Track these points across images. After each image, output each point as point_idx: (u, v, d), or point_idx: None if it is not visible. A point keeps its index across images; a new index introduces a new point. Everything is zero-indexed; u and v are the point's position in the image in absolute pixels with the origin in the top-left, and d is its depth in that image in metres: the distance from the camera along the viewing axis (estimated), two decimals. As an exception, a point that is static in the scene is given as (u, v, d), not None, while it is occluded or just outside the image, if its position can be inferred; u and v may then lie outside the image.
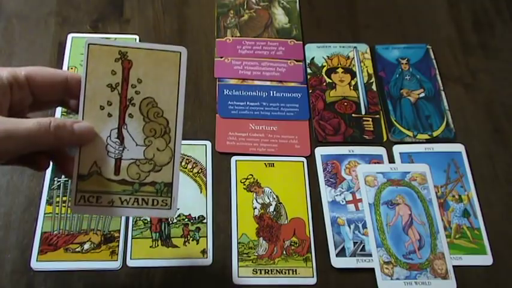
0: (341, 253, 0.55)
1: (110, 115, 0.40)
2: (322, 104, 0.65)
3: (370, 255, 0.55)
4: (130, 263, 0.53)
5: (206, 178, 0.58)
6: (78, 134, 0.38)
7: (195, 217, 0.56)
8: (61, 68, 0.64)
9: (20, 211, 0.55)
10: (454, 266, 0.55)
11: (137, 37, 0.67)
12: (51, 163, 0.41)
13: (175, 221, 0.56)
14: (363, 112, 0.65)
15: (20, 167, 0.57)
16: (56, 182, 0.57)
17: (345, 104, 0.65)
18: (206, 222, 0.56)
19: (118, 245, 0.54)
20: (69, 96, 0.41)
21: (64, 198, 0.56)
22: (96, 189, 0.40)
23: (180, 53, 0.41)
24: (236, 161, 0.60)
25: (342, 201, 0.58)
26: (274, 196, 0.58)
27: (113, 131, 0.40)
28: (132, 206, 0.40)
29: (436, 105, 0.65)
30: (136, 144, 0.40)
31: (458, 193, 0.59)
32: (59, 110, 0.61)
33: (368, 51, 0.70)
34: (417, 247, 0.55)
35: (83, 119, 0.39)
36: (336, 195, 0.58)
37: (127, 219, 0.55)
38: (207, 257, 0.54)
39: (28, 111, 0.41)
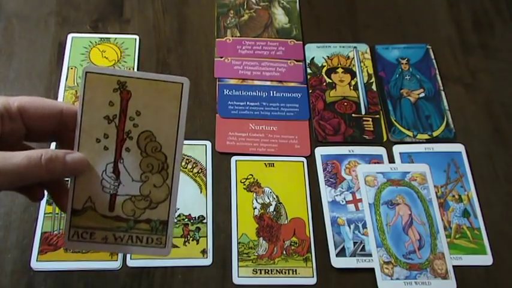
0: (341, 253, 0.55)
1: (106, 148, 0.38)
2: (322, 104, 0.65)
3: (370, 255, 0.55)
4: (130, 263, 0.53)
5: (206, 178, 0.58)
6: (71, 165, 0.37)
7: (195, 217, 0.56)
8: (61, 68, 0.64)
9: (20, 211, 0.55)
10: (454, 266, 0.55)
11: (137, 37, 0.67)
12: (45, 193, 0.41)
13: (175, 221, 0.55)
14: (363, 112, 0.65)
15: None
16: (56, 182, 0.56)
17: (345, 104, 0.65)
18: (206, 222, 0.56)
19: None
20: (64, 129, 0.39)
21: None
22: (90, 225, 0.38)
23: (182, 84, 0.39)
24: (236, 161, 0.60)
25: (342, 201, 0.58)
26: (274, 196, 0.58)
27: (108, 165, 0.38)
28: (126, 243, 0.39)
29: (436, 105, 0.65)
30: (133, 180, 0.39)
31: (458, 193, 0.59)
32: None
33: (368, 51, 0.70)
34: (417, 247, 0.55)
35: (78, 150, 0.38)
36: (336, 195, 0.58)
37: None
38: (207, 257, 0.54)
39: (23, 141, 0.40)
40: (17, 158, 0.34)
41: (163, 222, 0.39)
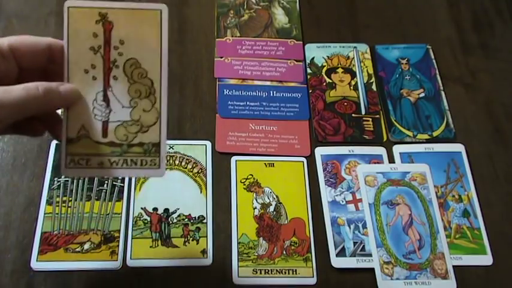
0: (341, 253, 0.55)
1: (94, 78, 0.40)
2: (322, 104, 0.65)
3: (370, 255, 0.55)
4: (130, 263, 0.53)
5: (206, 178, 0.58)
6: (64, 95, 0.38)
7: (195, 217, 0.56)
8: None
9: (20, 211, 0.55)
10: (454, 266, 0.55)
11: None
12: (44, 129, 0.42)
13: (175, 221, 0.56)
14: (363, 112, 0.65)
15: (20, 167, 0.57)
16: (56, 182, 0.57)
17: (345, 104, 0.65)
18: (206, 222, 0.56)
19: (118, 245, 0.54)
20: (53, 63, 0.41)
21: (64, 198, 0.56)
22: (85, 152, 0.40)
23: (161, 10, 0.40)
24: (236, 161, 0.60)
25: (342, 201, 0.58)
26: (274, 196, 0.58)
27: (98, 94, 0.40)
28: (121, 167, 0.40)
29: (436, 105, 0.65)
30: (123, 106, 0.40)
31: (458, 193, 0.59)
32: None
33: (368, 51, 0.70)
34: (417, 247, 0.55)
35: (68, 83, 0.40)
36: (336, 195, 0.58)
37: (127, 219, 0.55)
38: (207, 257, 0.54)
39: (14, 84, 0.41)
40: (15, 90, 0.35)
41: (156, 144, 0.40)
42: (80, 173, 0.40)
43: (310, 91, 0.66)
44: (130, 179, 0.57)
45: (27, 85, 0.36)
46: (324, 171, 0.60)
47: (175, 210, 0.56)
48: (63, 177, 0.57)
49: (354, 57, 0.69)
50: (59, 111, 0.42)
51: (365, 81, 0.67)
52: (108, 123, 0.40)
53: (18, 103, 0.35)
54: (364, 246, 0.55)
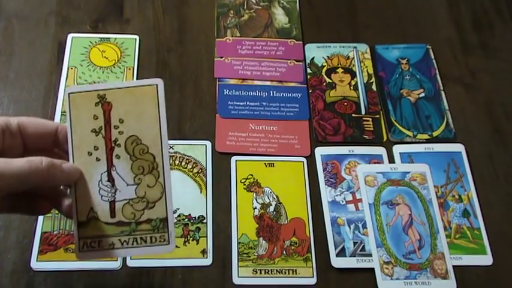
0: (341, 253, 0.55)
1: (98, 159, 0.40)
2: (322, 104, 0.65)
3: (370, 255, 0.55)
4: (131, 263, 0.53)
5: (206, 178, 0.58)
6: (67, 172, 0.39)
7: (195, 217, 0.56)
8: (61, 68, 0.64)
9: (20, 211, 0.55)
10: (454, 266, 0.55)
11: (137, 37, 0.67)
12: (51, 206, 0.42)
13: (175, 221, 0.55)
14: (363, 112, 0.65)
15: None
16: (56, 182, 0.57)
17: (345, 104, 0.65)
18: (206, 222, 0.56)
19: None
20: (58, 147, 0.42)
21: (64, 199, 0.56)
22: (96, 234, 0.40)
23: (157, 85, 0.41)
24: (236, 161, 0.60)
25: (342, 201, 0.58)
26: (274, 196, 0.58)
27: (103, 175, 0.40)
28: (131, 246, 0.40)
29: (436, 105, 0.65)
30: (127, 184, 0.40)
31: (458, 193, 0.59)
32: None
33: (368, 51, 0.70)
34: (417, 247, 0.55)
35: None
36: (336, 195, 0.58)
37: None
38: (207, 257, 0.54)
39: None
40: (18, 162, 0.36)
41: (163, 219, 0.41)
42: (94, 255, 0.40)
43: (310, 91, 0.66)
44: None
45: (31, 158, 0.37)
46: (324, 171, 0.60)
47: (175, 210, 0.56)
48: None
49: (354, 57, 0.69)
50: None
51: (365, 81, 0.67)
52: (115, 203, 0.40)
53: (19, 175, 0.36)
54: (364, 246, 0.55)
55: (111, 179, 0.40)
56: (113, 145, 0.40)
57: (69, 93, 0.41)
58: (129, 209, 0.40)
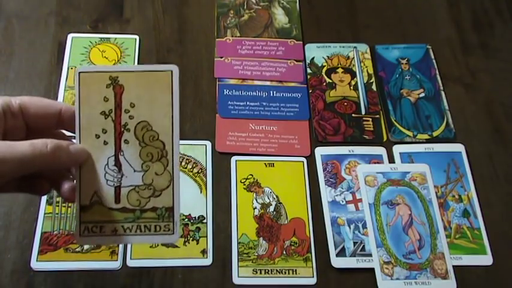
0: (341, 253, 0.55)
1: (105, 143, 0.39)
2: (322, 104, 0.65)
3: (370, 255, 0.55)
4: (131, 263, 0.53)
5: (206, 178, 0.58)
6: (74, 154, 0.38)
7: (195, 217, 0.56)
8: (61, 68, 0.64)
9: (20, 211, 0.55)
10: (454, 266, 0.55)
11: (137, 37, 0.67)
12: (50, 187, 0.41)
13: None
14: (363, 112, 0.65)
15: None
16: (56, 182, 0.57)
17: (345, 104, 0.65)
18: (206, 222, 0.56)
19: (118, 245, 0.54)
20: (62, 127, 0.41)
21: (64, 199, 0.56)
22: (99, 219, 0.39)
23: (172, 71, 0.39)
24: (236, 161, 0.60)
25: (342, 201, 0.58)
26: (274, 196, 0.58)
27: (110, 159, 0.39)
28: (135, 233, 0.39)
29: (436, 105, 0.65)
30: (134, 170, 0.39)
31: (458, 193, 0.59)
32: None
33: (368, 51, 0.70)
34: (417, 247, 0.55)
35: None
36: (336, 195, 0.58)
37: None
38: (207, 257, 0.54)
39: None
40: (21, 145, 0.35)
41: (169, 208, 0.40)
42: (94, 241, 0.40)
43: (310, 91, 0.66)
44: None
45: (34, 141, 0.36)
46: (324, 171, 0.60)
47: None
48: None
49: (354, 57, 0.69)
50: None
51: (365, 81, 0.67)
52: (120, 189, 0.39)
53: (23, 159, 0.35)
54: (364, 246, 0.55)
55: (118, 163, 0.39)
56: (122, 129, 0.39)
57: (79, 72, 0.39)
58: (135, 195, 0.39)
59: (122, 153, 0.39)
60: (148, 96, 0.39)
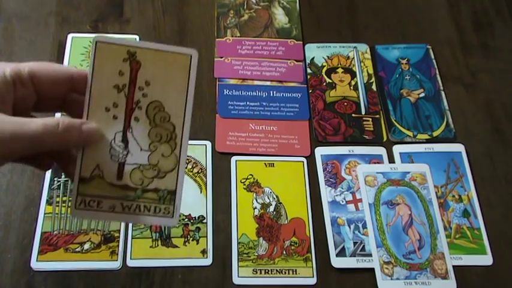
0: (341, 253, 0.55)
1: (115, 117, 0.38)
2: (322, 104, 0.65)
3: (370, 255, 0.55)
4: (130, 263, 0.53)
5: (206, 178, 0.58)
6: (86, 135, 0.37)
7: (195, 217, 0.56)
8: (61, 68, 0.64)
9: (20, 211, 0.55)
10: (454, 266, 0.55)
11: (137, 37, 0.67)
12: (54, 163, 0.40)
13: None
14: (363, 112, 0.65)
15: (20, 167, 0.57)
16: (56, 182, 0.57)
17: (345, 104, 0.65)
18: (206, 222, 0.56)
19: (118, 245, 0.54)
20: (74, 92, 0.39)
21: (64, 198, 0.56)
22: (98, 194, 0.38)
23: (191, 55, 0.38)
24: (236, 161, 0.60)
25: (342, 201, 0.58)
26: (274, 196, 0.58)
27: (117, 134, 0.38)
28: (133, 212, 0.39)
29: (436, 105, 0.65)
30: (141, 149, 0.39)
31: (458, 193, 0.59)
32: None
33: (368, 51, 0.70)
34: (417, 247, 0.55)
35: (87, 119, 0.38)
36: (336, 195, 0.58)
37: (127, 219, 0.55)
38: (207, 257, 0.54)
39: (32, 111, 0.40)
40: (34, 124, 0.34)
41: (171, 192, 0.39)
42: (90, 215, 0.39)
43: (310, 91, 0.66)
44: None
45: (47, 120, 0.35)
46: (324, 171, 0.60)
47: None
48: (63, 177, 0.57)
49: (354, 57, 0.69)
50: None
51: (365, 81, 0.67)
52: (124, 166, 0.39)
53: (34, 138, 0.34)
54: (364, 246, 0.55)
55: (125, 140, 0.38)
56: (134, 106, 0.38)
57: (96, 41, 0.37)
58: (138, 174, 0.39)
59: (130, 130, 0.38)
60: (164, 76, 0.38)
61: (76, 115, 0.38)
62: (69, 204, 0.38)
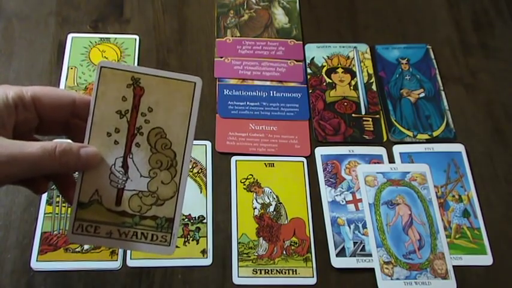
0: (341, 253, 0.55)
1: (116, 142, 0.38)
2: (322, 104, 0.65)
3: (370, 255, 0.55)
4: (130, 263, 0.53)
5: (206, 178, 0.58)
6: (85, 159, 0.37)
7: (195, 217, 0.56)
8: (61, 68, 0.64)
9: (20, 211, 0.55)
10: (454, 266, 0.55)
11: (137, 37, 0.67)
12: (49, 186, 0.40)
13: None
14: (363, 112, 0.65)
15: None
16: (56, 182, 0.57)
17: (345, 104, 0.65)
18: (206, 222, 0.56)
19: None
20: (75, 121, 0.40)
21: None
22: (95, 219, 0.38)
23: (195, 83, 0.39)
24: (236, 161, 0.60)
25: (342, 201, 0.58)
26: (274, 196, 0.58)
27: (117, 160, 0.38)
28: (130, 239, 0.39)
29: (436, 105, 0.65)
30: (141, 175, 0.39)
31: (458, 193, 0.59)
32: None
33: (368, 51, 0.70)
34: (417, 247, 0.55)
35: (88, 143, 0.38)
36: (336, 195, 0.58)
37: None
38: (207, 257, 0.54)
39: (35, 134, 0.40)
40: (32, 147, 0.34)
41: (170, 219, 0.39)
42: (86, 240, 0.39)
43: (310, 91, 0.66)
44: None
45: (45, 144, 0.35)
46: (324, 171, 0.60)
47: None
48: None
49: (354, 57, 0.69)
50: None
51: (365, 81, 0.67)
52: (123, 191, 0.39)
53: (32, 161, 0.34)
54: (364, 246, 0.55)
55: (125, 165, 0.38)
56: (136, 132, 0.38)
57: (101, 67, 0.38)
58: (137, 201, 0.39)
59: (131, 156, 0.39)
60: (167, 103, 0.39)
61: (79, 139, 0.39)
62: (67, 228, 0.38)
